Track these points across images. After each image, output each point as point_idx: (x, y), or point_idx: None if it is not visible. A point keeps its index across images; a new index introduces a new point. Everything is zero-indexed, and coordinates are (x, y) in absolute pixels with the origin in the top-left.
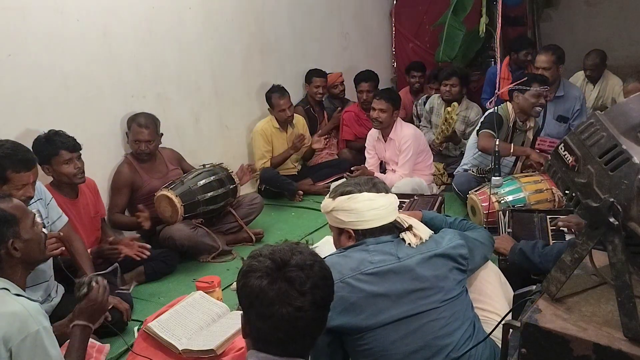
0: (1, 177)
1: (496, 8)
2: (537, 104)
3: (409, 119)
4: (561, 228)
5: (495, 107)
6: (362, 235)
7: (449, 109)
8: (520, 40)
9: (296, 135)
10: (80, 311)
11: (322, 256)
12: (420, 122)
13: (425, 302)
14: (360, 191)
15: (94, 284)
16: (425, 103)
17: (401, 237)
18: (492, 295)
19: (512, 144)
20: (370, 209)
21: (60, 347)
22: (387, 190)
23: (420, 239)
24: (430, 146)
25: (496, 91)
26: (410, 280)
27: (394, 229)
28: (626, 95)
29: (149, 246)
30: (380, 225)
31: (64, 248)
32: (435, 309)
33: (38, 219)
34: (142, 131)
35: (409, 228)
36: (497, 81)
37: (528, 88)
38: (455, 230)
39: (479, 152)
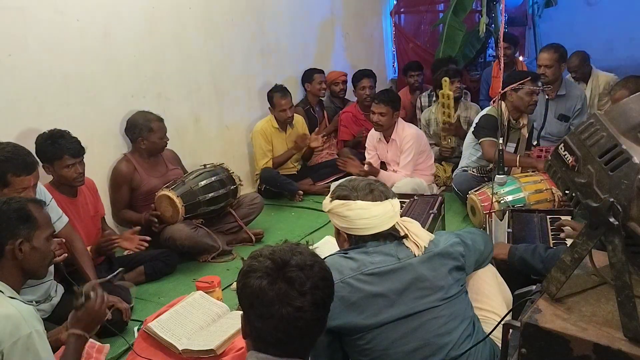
0: (2, 181)
1: (496, 8)
2: (531, 101)
3: (409, 119)
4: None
5: (500, 102)
6: (355, 241)
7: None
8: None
9: (298, 135)
10: (77, 320)
11: (323, 256)
12: (422, 113)
13: (424, 301)
14: (355, 198)
15: (92, 294)
16: (428, 96)
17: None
18: (489, 295)
19: (518, 156)
20: (361, 218)
21: (54, 353)
22: (386, 196)
23: (422, 247)
24: (436, 147)
25: (499, 91)
26: (410, 280)
27: (389, 237)
28: (614, 104)
29: (148, 238)
30: (373, 233)
31: (66, 254)
32: (435, 308)
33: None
34: (164, 127)
35: (405, 236)
36: (502, 78)
37: (521, 87)
38: (448, 231)
39: (478, 154)
